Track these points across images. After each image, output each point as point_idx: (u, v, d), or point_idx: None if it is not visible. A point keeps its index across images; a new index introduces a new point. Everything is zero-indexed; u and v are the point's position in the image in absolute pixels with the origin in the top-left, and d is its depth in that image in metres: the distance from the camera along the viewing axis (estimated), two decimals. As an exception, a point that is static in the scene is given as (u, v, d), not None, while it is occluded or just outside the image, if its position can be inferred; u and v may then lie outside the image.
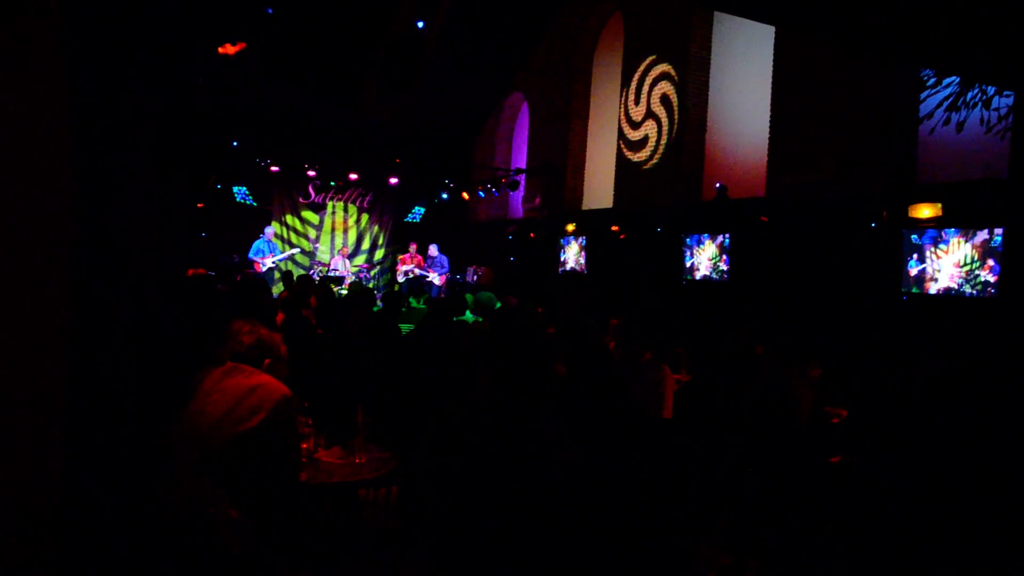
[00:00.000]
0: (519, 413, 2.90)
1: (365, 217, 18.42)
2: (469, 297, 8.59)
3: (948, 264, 7.81)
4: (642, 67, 13.19)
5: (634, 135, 13.34)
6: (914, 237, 8.13)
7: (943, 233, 7.86)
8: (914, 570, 3.81)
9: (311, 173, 16.09)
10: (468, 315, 8.25)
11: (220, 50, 5.91)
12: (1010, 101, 7.44)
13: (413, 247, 16.87)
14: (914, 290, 8.13)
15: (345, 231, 18.18)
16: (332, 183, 17.36)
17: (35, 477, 2.65)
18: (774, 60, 10.23)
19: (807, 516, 4.66)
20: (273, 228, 16.07)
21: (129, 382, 4.12)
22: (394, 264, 17.41)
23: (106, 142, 3.29)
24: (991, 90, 7.57)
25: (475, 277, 17.01)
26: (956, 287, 7.72)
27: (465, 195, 16.94)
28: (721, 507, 5.18)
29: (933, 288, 7.95)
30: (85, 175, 2.95)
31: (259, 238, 15.21)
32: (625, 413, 3.94)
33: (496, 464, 2.76)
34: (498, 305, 8.00)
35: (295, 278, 12.31)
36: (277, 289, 13.69)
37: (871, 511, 4.08)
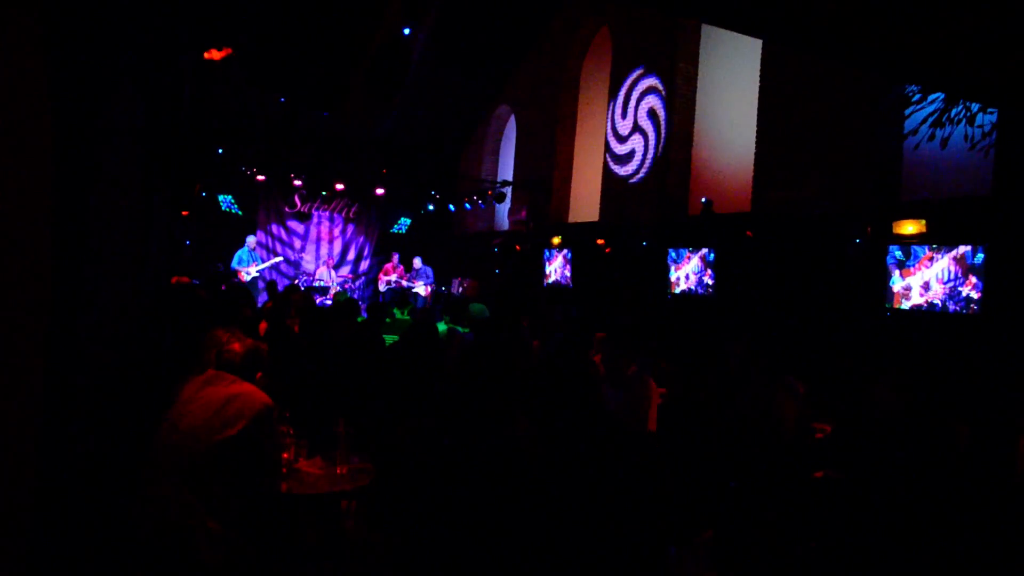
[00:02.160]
0: (493, 423, 2.88)
1: (351, 228, 18.38)
2: (442, 327, 8.49)
3: (931, 280, 7.84)
4: (629, 81, 13.23)
5: (621, 149, 13.37)
6: (898, 253, 8.16)
7: (926, 249, 7.90)
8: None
9: (297, 183, 16.05)
10: (441, 326, 8.20)
11: (206, 55, 5.87)
12: (994, 118, 7.49)
13: (395, 257, 16.83)
14: (898, 306, 8.16)
15: (330, 241, 18.13)
16: (319, 193, 17.33)
17: (10, 488, 2.60)
18: (760, 75, 10.28)
19: (791, 531, 4.65)
20: (256, 237, 15.98)
21: (108, 390, 4.07)
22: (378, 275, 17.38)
23: (89, 148, 3.26)
24: (975, 107, 7.62)
25: (460, 289, 16.97)
26: (939, 303, 7.76)
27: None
28: (704, 522, 5.15)
29: (916, 303, 7.97)
30: (66, 182, 2.91)
31: (241, 247, 15.14)
32: (604, 424, 3.92)
33: (470, 471, 2.73)
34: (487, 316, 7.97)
35: (279, 288, 12.25)
36: (263, 299, 13.61)
37: (853, 526, 4.07)
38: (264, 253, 16.49)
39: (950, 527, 3.77)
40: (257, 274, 14.94)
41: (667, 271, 11.56)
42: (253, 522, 3.33)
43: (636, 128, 13.00)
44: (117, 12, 3.68)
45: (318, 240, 18.02)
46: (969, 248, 7.52)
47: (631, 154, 13.05)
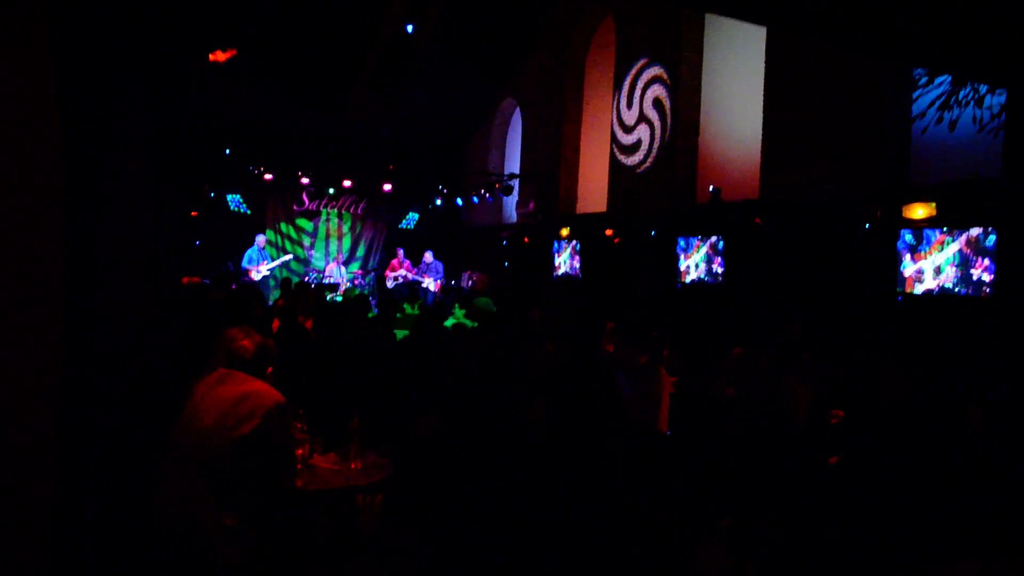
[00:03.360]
0: (508, 417, 2.89)
1: (359, 224, 18.40)
2: (459, 313, 8.59)
3: (943, 264, 7.81)
4: (634, 71, 13.20)
5: (627, 139, 13.34)
6: (909, 237, 8.12)
7: (937, 232, 7.86)
8: (909, 569, 3.80)
9: (305, 181, 16.05)
10: (451, 320, 8.24)
11: (211, 57, 5.89)
12: (1002, 99, 7.45)
13: (400, 253, 16.84)
14: (910, 290, 8.13)
15: (340, 238, 18.16)
16: (326, 190, 17.34)
17: (28, 489, 2.62)
18: (766, 62, 10.24)
19: (805, 517, 4.65)
20: (265, 236, 16.00)
21: (122, 391, 4.10)
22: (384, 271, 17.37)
23: (98, 151, 3.28)
24: (983, 88, 7.57)
25: (470, 283, 16.98)
26: (951, 286, 7.72)
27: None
28: (721, 510, 5.16)
29: (927, 287, 7.94)
30: (76, 185, 2.93)
31: (251, 247, 15.17)
32: (621, 419, 3.92)
33: (486, 469, 2.74)
34: (493, 310, 7.99)
35: (291, 285, 12.28)
36: (274, 296, 13.66)
37: (863, 511, 4.06)
38: (273, 251, 16.52)
39: (962, 510, 3.77)
40: (267, 273, 14.98)
41: (676, 260, 11.55)
42: (268, 518, 3.35)
43: (642, 118, 12.97)
44: (122, 15, 3.70)
45: (327, 237, 18.05)
46: (980, 230, 7.48)
47: (638, 144, 13.03)
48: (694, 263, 11.28)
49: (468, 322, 8.11)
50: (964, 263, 7.62)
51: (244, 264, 14.86)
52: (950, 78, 7.79)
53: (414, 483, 2.97)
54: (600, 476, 3.16)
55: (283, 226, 17.59)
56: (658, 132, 12.50)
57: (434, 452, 2.90)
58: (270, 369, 3.58)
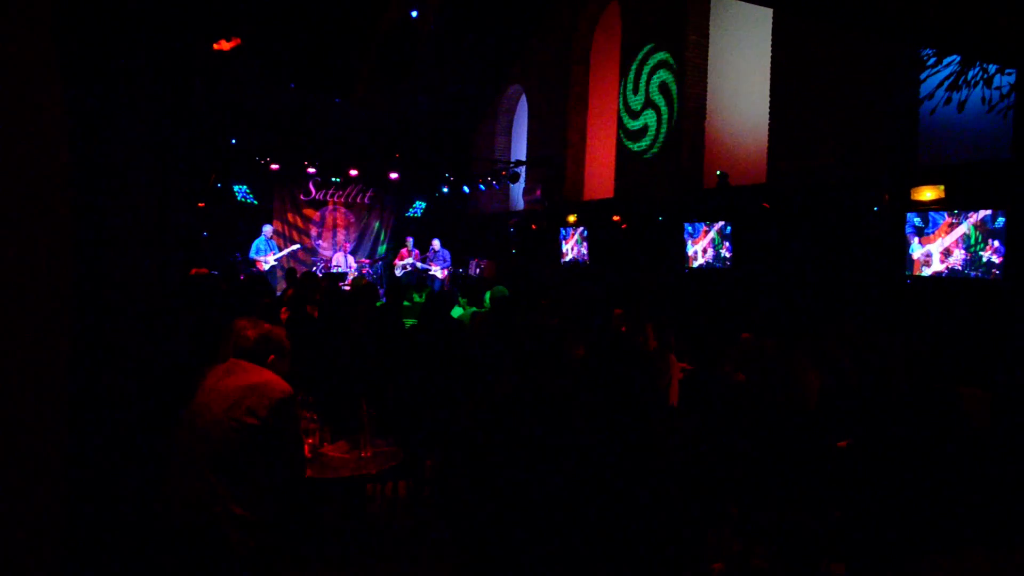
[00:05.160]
0: (543, 404, 2.88)
1: (366, 213, 18.41)
2: (462, 301, 8.60)
3: (951, 246, 7.76)
4: (640, 56, 13.14)
5: (633, 124, 13.29)
6: (916, 220, 8.08)
7: (945, 215, 7.81)
8: (917, 550, 3.79)
9: (311, 170, 16.06)
10: (457, 310, 8.25)
11: (215, 46, 5.87)
12: (1012, 79, 7.39)
13: (410, 241, 16.84)
14: (918, 273, 8.08)
15: (347, 227, 18.17)
16: (333, 180, 17.34)
17: (40, 479, 2.64)
18: (772, 45, 10.18)
19: (814, 501, 4.65)
20: (272, 227, 16.03)
21: (132, 382, 4.11)
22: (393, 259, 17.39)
23: (104, 143, 3.28)
24: (992, 68, 7.51)
25: (477, 270, 16.98)
26: (960, 269, 7.68)
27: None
28: (731, 494, 5.16)
29: (937, 270, 7.90)
30: (83, 177, 2.94)
31: (258, 237, 15.21)
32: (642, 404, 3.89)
33: (523, 456, 2.74)
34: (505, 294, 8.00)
35: (298, 275, 12.29)
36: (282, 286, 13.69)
37: (873, 496, 4.06)
38: (281, 242, 16.54)
39: (973, 496, 3.76)
40: (275, 263, 15.00)
41: (684, 246, 11.52)
42: (280, 507, 3.36)
43: (648, 103, 12.91)
44: (127, 4, 3.69)
45: (334, 227, 18.07)
46: (989, 213, 7.43)
47: (644, 129, 12.98)
48: (701, 248, 11.25)
49: (474, 309, 8.11)
50: (973, 245, 7.57)
51: (251, 255, 14.89)
52: (959, 58, 7.73)
53: (455, 473, 2.95)
54: (618, 456, 3.14)
55: (290, 216, 17.61)
56: (664, 117, 12.45)
57: (480, 441, 2.88)
58: (272, 357, 3.58)
